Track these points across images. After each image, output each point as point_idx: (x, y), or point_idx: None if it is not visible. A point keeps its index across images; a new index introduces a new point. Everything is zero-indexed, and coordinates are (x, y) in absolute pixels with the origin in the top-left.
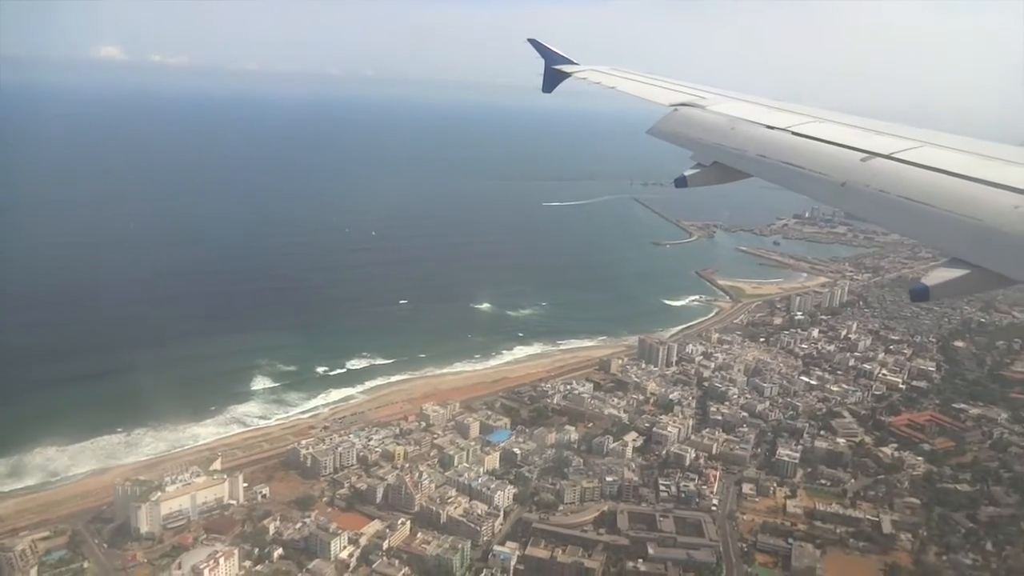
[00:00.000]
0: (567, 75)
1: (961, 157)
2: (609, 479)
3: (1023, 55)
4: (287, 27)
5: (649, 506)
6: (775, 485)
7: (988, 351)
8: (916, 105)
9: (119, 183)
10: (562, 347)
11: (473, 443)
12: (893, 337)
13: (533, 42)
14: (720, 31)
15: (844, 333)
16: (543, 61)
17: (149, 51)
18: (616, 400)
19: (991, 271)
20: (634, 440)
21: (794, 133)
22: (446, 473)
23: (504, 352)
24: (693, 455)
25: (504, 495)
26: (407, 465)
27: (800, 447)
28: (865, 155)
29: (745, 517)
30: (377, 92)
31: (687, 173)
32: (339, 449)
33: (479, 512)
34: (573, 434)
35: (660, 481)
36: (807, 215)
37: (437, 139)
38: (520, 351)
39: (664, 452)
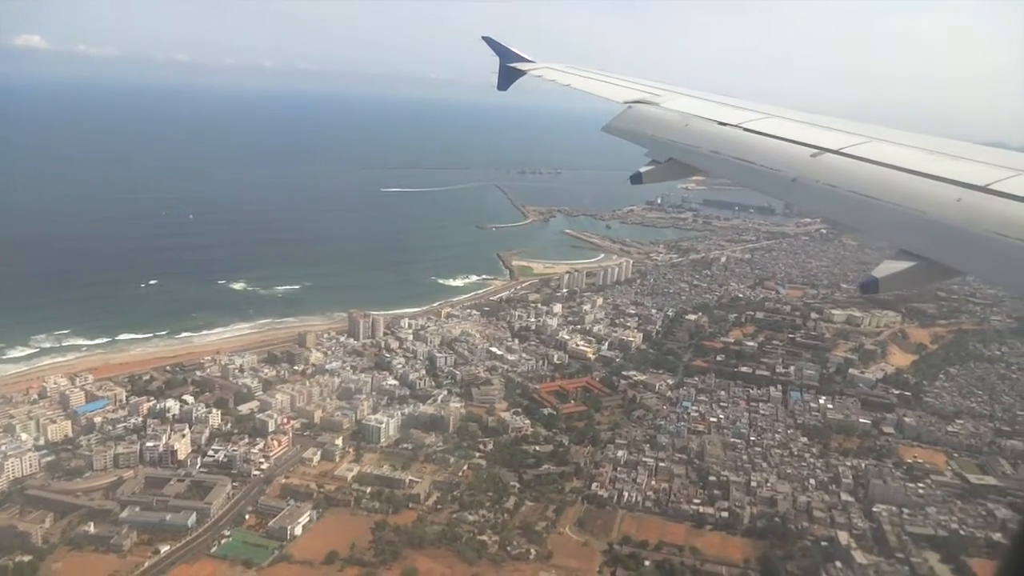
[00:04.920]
0: (522, 73)
1: (907, 152)
2: (150, 444)
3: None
4: (222, 19)
5: (174, 471)
6: (350, 449)
7: (716, 323)
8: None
9: None
10: (284, 324)
11: (53, 413)
12: (630, 311)
13: (488, 40)
14: (679, 29)
15: (586, 308)
16: (498, 59)
17: (74, 40)
18: (268, 371)
19: (936, 262)
20: (251, 409)
21: (746, 129)
22: None
23: (218, 328)
24: (281, 421)
25: (22, 463)
26: None
27: (400, 413)
28: (815, 151)
29: (285, 481)
30: (308, 86)
31: (642, 170)
32: None
33: None
34: (172, 403)
35: (213, 447)
36: (658, 201)
37: (338, 132)
38: (237, 327)
39: (253, 420)
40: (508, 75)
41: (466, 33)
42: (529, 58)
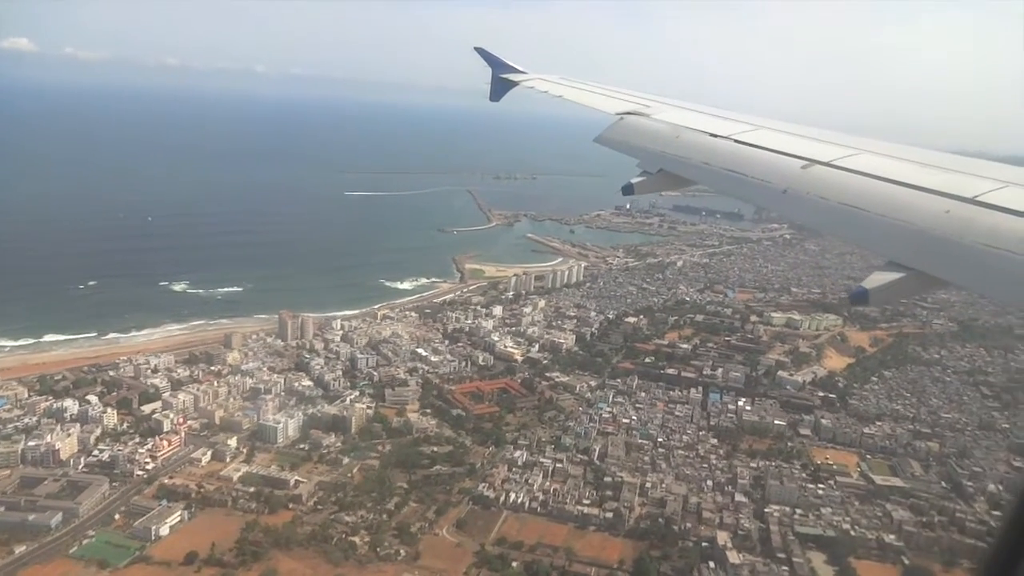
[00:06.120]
0: (515, 84)
1: (896, 164)
2: (32, 444)
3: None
4: (214, 24)
5: (52, 471)
6: (243, 450)
7: (655, 326)
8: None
9: None
10: (216, 325)
11: None
12: (570, 314)
13: (480, 51)
14: (672, 41)
15: (527, 310)
16: (490, 70)
17: (63, 43)
18: (182, 371)
19: (926, 273)
20: (154, 409)
21: (737, 141)
22: None
23: (148, 329)
24: (177, 421)
25: None
26: None
27: (302, 413)
28: (805, 162)
29: (168, 481)
30: (300, 91)
31: (634, 180)
32: None
33: None
34: (71, 402)
35: (100, 446)
36: (627, 206)
37: (323, 137)
38: (167, 328)
39: (150, 419)
40: (500, 86)
41: (460, 41)
42: (521, 69)
